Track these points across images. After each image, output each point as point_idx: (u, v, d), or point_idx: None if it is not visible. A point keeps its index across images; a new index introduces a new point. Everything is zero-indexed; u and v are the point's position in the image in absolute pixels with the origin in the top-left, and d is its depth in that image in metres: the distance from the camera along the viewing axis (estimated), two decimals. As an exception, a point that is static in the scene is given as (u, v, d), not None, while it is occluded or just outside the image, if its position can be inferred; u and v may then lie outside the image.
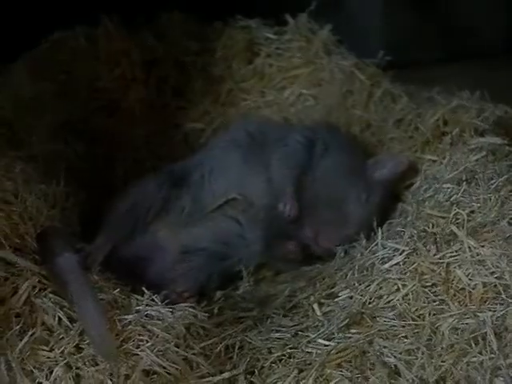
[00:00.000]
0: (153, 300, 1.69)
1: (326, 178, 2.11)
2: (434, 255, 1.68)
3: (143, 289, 1.73)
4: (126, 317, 1.60)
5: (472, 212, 1.76)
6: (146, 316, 1.62)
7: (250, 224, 2.05)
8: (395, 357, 1.52)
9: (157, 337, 1.57)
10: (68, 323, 1.56)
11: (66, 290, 1.58)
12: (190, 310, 1.68)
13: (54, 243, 1.70)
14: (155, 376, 1.50)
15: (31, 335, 1.53)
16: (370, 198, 2.11)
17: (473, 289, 1.59)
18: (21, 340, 1.51)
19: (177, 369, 1.52)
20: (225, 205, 2.06)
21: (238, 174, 2.09)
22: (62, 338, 1.54)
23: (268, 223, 2.05)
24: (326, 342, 1.60)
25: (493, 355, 1.47)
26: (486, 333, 1.50)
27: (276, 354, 1.60)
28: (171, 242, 2.02)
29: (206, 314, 1.70)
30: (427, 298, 1.62)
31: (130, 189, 2.09)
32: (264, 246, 2.05)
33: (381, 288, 1.69)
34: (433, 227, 1.76)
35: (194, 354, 1.57)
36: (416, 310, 1.62)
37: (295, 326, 1.72)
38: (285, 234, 2.06)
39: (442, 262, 1.66)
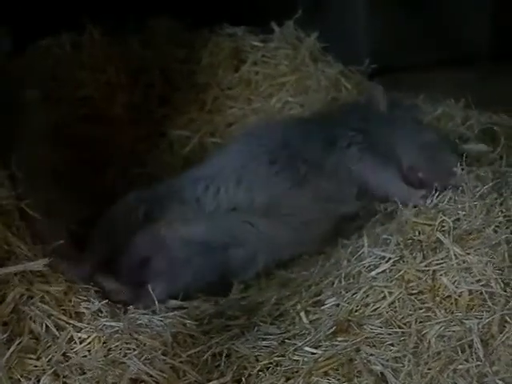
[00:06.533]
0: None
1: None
2: (421, 263, 1.69)
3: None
4: (113, 324, 1.60)
5: (458, 219, 1.77)
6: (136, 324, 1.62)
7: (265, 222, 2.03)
8: (382, 364, 1.53)
9: (144, 345, 1.57)
10: (55, 331, 1.56)
11: None
12: (179, 318, 1.69)
13: None
14: (142, 384, 1.51)
15: (18, 343, 1.52)
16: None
17: (459, 296, 1.60)
18: (8, 349, 1.51)
19: (164, 377, 1.51)
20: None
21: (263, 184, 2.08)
22: (50, 346, 1.54)
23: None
24: (313, 350, 1.61)
25: (479, 362, 1.48)
26: (472, 340, 1.51)
27: (263, 362, 1.61)
28: (172, 239, 1.99)
29: (195, 323, 1.71)
30: (413, 305, 1.63)
31: (112, 206, 2.09)
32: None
33: (367, 296, 1.70)
34: (419, 235, 1.77)
35: (181, 361, 1.57)
36: (402, 317, 1.62)
37: (282, 333, 1.72)
38: None
39: (428, 270, 1.66)
